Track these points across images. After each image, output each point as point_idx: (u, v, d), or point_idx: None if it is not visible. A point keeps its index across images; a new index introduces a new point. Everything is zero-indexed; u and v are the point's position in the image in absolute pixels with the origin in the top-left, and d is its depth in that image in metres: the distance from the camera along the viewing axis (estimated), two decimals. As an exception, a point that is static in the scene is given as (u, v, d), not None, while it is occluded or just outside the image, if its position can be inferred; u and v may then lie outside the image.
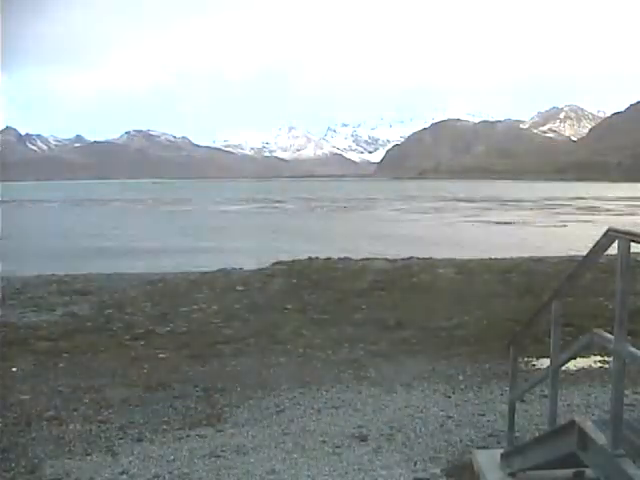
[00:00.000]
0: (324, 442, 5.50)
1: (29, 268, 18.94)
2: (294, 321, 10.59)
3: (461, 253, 20.84)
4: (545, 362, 6.84)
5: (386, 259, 18.73)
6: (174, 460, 5.15)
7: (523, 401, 6.07)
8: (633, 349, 3.06)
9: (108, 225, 43.84)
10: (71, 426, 5.90)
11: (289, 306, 11.90)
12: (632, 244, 3.09)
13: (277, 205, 72.53)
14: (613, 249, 3.26)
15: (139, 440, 5.59)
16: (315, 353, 8.57)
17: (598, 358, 7.85)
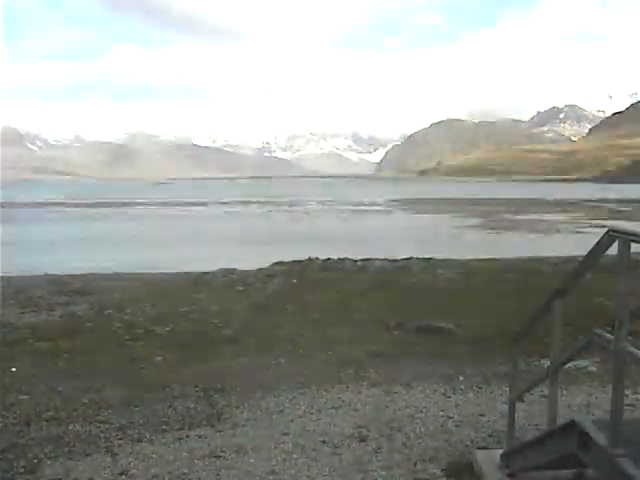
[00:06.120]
0: (324, 442, 5.49)
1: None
2: (294, 321, 10.58)
3: (461, 253, 20.85)
4: (545, 362, 6.85)
5: (386, 259, 18.72)
6: (174, 460, 5.14)
7: (523, 401, 6.06)
8: (633, 349, 3.06)
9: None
10: (71, 426, 5.89)
11: (289, 306, 11.90)
12: (632, 244, 3.09)
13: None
14: (613, 249, 3.26)
15: (139, 440, 5.58)
16: (315, 353, 8.57)
17: (598, 358, 7.84)
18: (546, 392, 4.89)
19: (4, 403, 6.47)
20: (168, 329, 10.19)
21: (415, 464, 5.03)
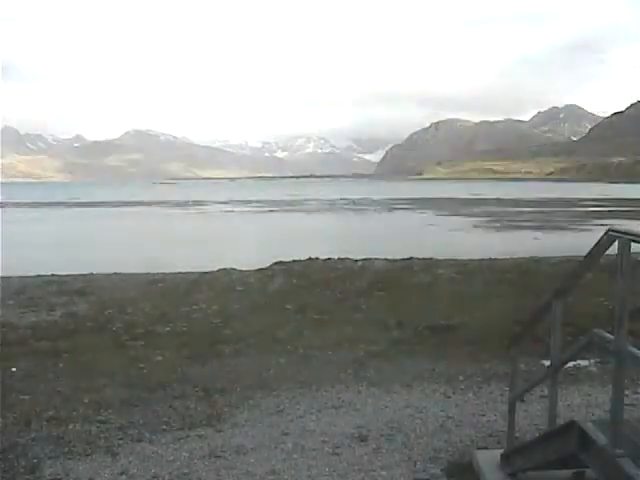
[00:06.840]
0: (324, 442, 5.49)
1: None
2: (294, 321, 10.58)
3: (461, 253, 20.85)
4: (545, 362, 6.85)
5: (386, 259, 18.71)
6: (174, 460, 5.15)
7: (523, 401, 6.06)
8: (633, 349, 3.06)
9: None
10: (71, 426, 5.89)
11: (289, 306, 11.89)
12: (632, 244, 3.09)
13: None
14: (613, 249, 3.26)
15: (139, 440, 5.58)
16: (315, 353, 8.56)
17: (598, 358, 7.84)
18: (546, 392, 4.90)
19: (4, 403, 6.47)
20: (168, 329, 10.18)
21: (415, 464, 5.04)
